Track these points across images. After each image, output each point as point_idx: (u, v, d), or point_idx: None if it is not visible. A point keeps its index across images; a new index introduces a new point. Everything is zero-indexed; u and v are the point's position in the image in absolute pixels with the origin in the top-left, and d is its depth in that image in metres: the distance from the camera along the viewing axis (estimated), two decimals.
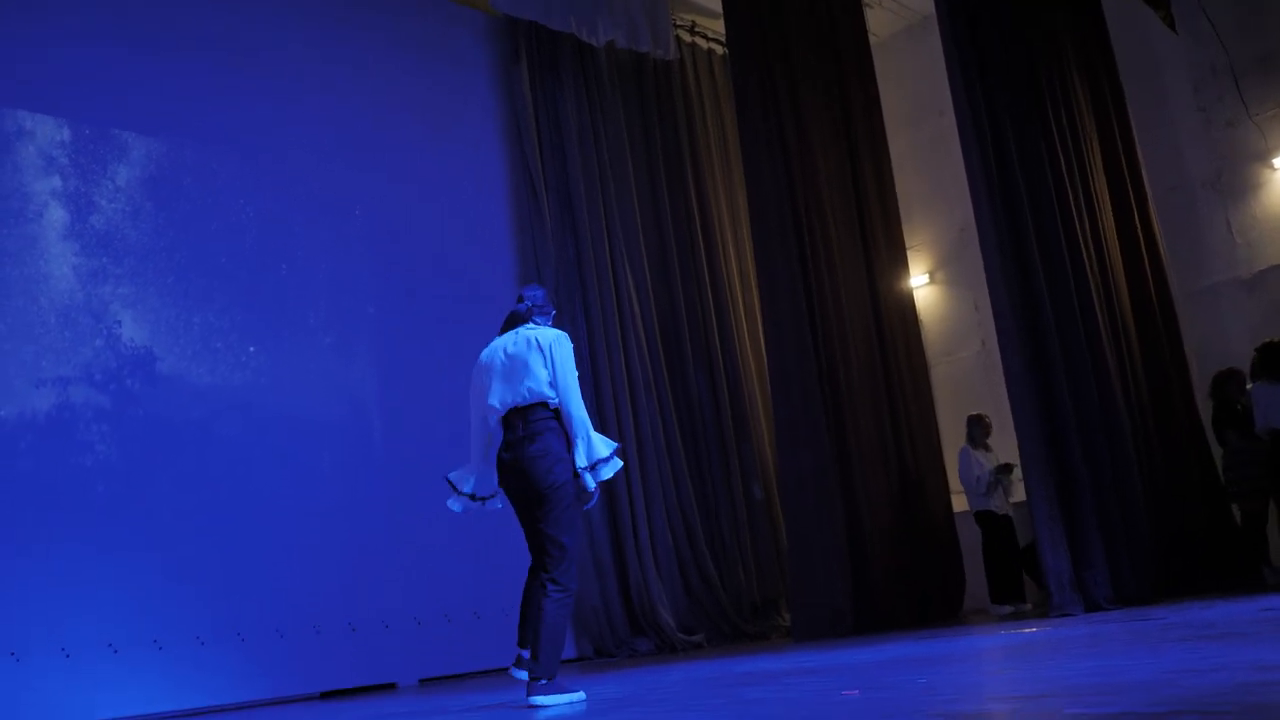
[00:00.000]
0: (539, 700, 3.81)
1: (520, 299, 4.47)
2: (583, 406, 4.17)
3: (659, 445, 8.92)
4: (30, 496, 6.29)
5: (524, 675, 4.20)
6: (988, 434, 8.39)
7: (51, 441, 6.46)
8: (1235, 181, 8.57)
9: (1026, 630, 5.35)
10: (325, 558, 7.20)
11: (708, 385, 9.48)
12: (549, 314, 4.47)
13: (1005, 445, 8.40)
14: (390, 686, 7.24)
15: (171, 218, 7.23)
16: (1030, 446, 6.58)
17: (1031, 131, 7.16)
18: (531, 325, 4.38)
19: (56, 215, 6.80)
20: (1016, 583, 8.03)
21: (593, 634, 8.29)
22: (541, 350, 4.19)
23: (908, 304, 8.89)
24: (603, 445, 4.13)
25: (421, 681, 7.36)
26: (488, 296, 8.70)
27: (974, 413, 8.56)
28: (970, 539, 8.54)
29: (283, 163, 7.82)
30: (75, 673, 6.16)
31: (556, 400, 4.14)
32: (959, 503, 8.68)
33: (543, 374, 4.14)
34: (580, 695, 3.98)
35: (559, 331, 4.31)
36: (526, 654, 3.98)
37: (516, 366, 4.20)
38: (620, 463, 4.15)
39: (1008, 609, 7.79)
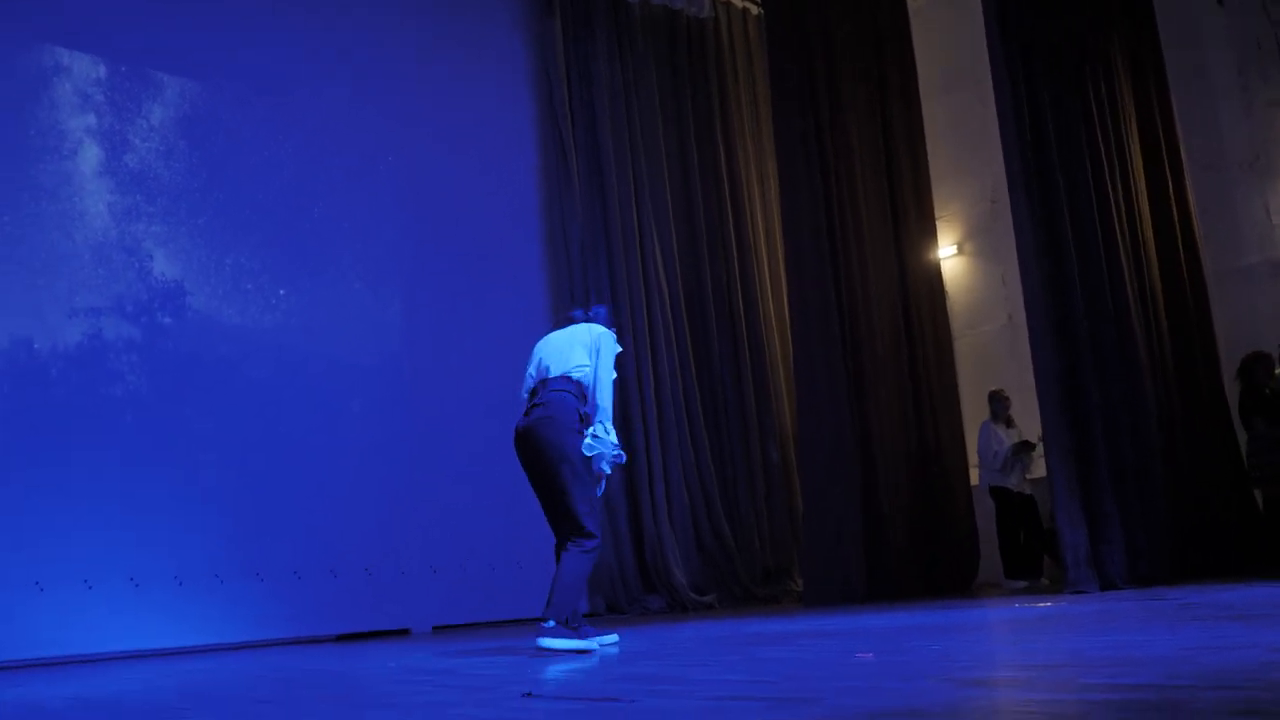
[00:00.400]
0: (545, 643, 3.86)
1: (586, 309, 4.69)
2: (610, 400, 4.28)
3: (678, 406, 8.92)
4: (61, 424, 6.38)
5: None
6: (1008, 409, 8.36)
7: (83, 371, 6.54)
8: (1275, 163, 8.43)
9: (1040, 605, 5.35)
10: (346, 501, 7.27)
11: (730, 348, 9.46)
12: (608, 327, 4.58)
13: (1027, 420, 8.37)
14: (404, 632, 7.32)
15: (205, 158, 7.25)
16: (1052, 422, 6.54)
17: (1069, 103, 7.05)
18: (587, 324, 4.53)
19: (91, 153, 6.83)
20: (1033, 559, 8.03)
21: (605, 589, 8.35)
22: (589, 340, 4.35)
23: (935, 275, 8.83)
24: (611, 441, 4.23)
25: (435, 629, 7.44)
26: (513, 252, 8.71)
27: (995, 388, 8.52)
28: (986, 514, 8.53)
29: (315, 108, 7.81)
30: (97, 604, 6.25)
31: (582, 379, 4.26)
32: (977, 476, 8.66)
33: (581, 357, 4.28)
34: (594, 645, 4.00)
35: (610, 331, 4.47)
36: (550, 624, 4.02)
37: (561, 347, 4.34)
38: (611, 466, 4.28)
39: (1021, 584, 7.79)
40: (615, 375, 4.38)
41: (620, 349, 4.44)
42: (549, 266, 8.87)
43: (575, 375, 4.26)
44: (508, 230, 8.68)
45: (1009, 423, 8.33)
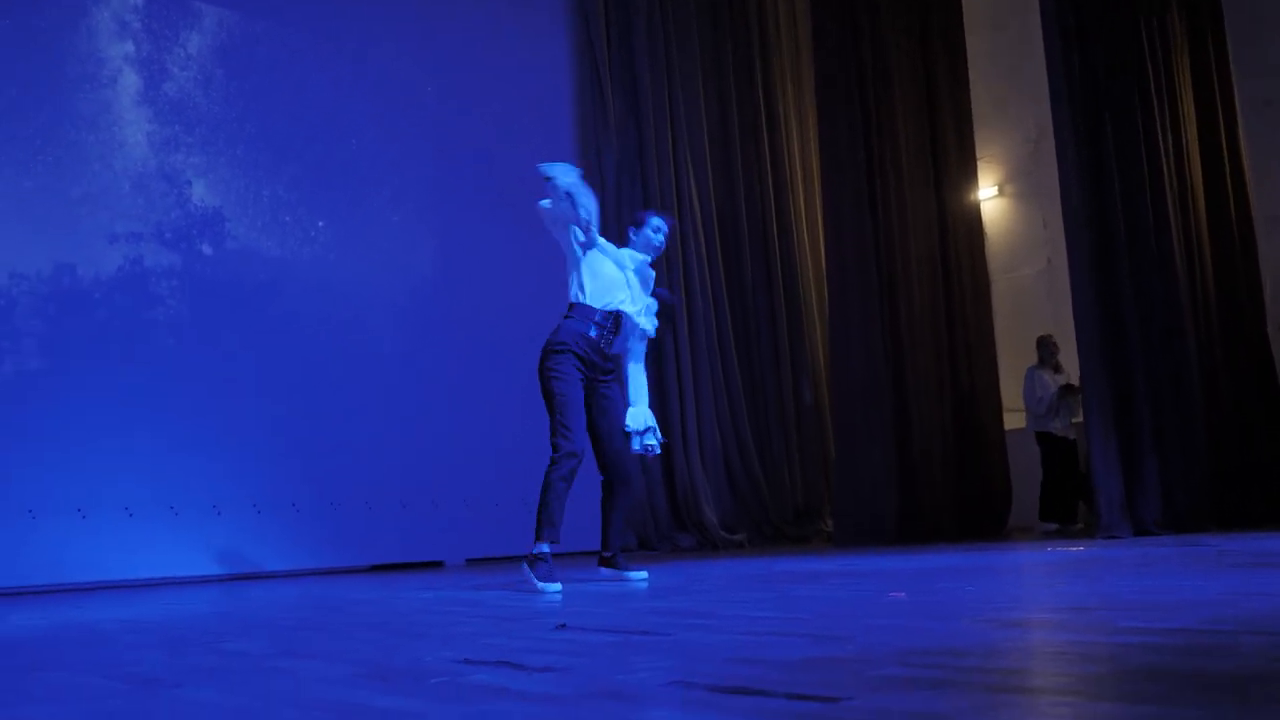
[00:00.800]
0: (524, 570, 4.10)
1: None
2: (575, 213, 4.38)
3: (711, 343, 8.90)
4: (104, 348, 6.46)
5: (607, 573, 4.50)
6: (1055, 354, 8.27)
7: (125, 294, 6.62)
8: None
9: (1073, 549, 5.33)
10: (380, 434, 7.34)
11: (764, 285, 9.40)
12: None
13: (1065, 364, 8.29)
14: (437, 564, 7.42)
15: (242, 87, 7.24)
16: (1091, 366, 6.48)
17: (1118, 40, 6.87)
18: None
19: (130, 81, 6.84)
20: (1069, 503, 8.00)
21: (636, 526, 8.41)
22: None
23: (974, 216, 8.70)
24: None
25: (468, 561, 7.53)
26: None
27: (1044, 333, 8.40)
28: (1020, 458, 8.48)
29: (351, 40, 7.77)
30: (137, 532, 6.37)
31: (570, 295, 4.43)
32: (1012, 420, 8.61)
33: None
34: (552, 588, 3.98)
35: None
36: (608, 555, 4.42)
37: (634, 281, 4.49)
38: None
39: (1053, 526, 7.78)
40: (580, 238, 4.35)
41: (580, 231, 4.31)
42: None
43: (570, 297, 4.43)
44: (542, 156, 8.61)
45: (1056, 368, 8.25)
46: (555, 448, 4.17)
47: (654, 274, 4.59)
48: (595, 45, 8.82)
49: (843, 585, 3.57)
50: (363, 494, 7.28)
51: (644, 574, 4.47)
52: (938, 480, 7.78)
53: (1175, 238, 6.85)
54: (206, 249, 6.97)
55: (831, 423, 8.55)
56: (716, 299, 9.06)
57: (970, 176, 8.64)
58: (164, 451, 6.51)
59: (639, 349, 4.52)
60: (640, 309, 4.40)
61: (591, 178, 8.81)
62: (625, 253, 4.48)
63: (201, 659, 2.31)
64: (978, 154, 9.00)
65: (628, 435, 4.42)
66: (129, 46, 6.85)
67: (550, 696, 1.58)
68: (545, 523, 4.12)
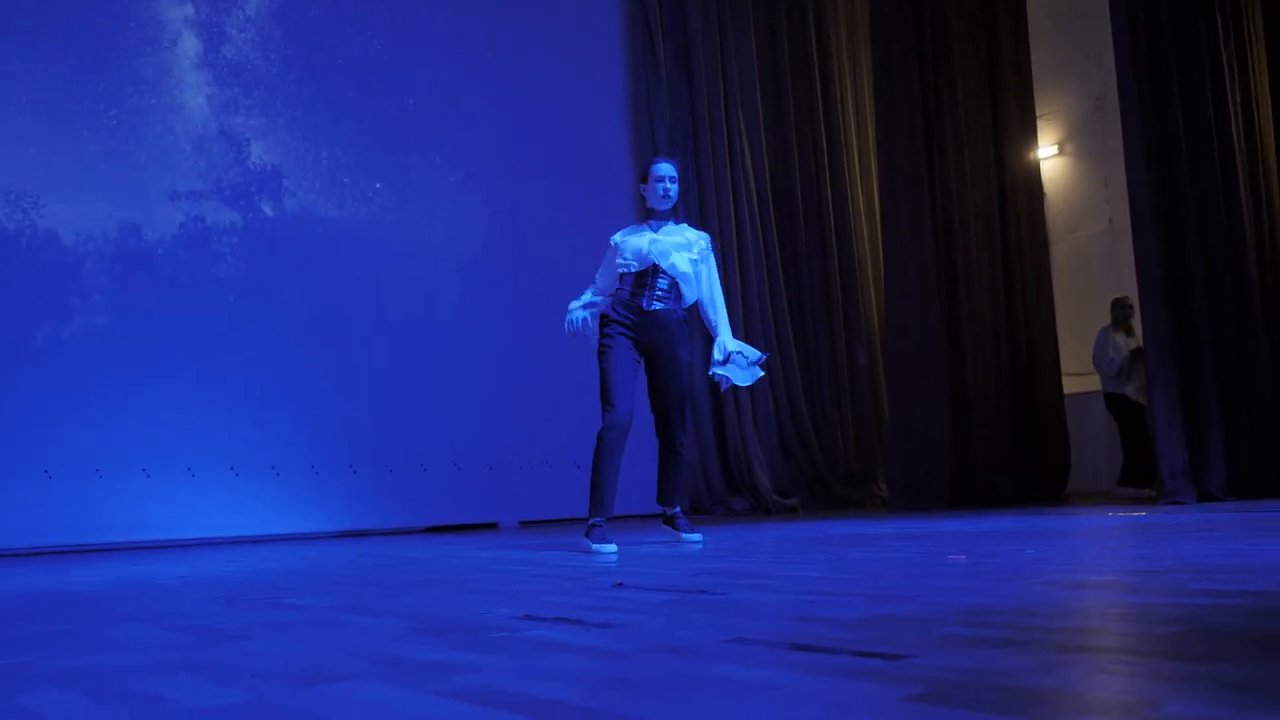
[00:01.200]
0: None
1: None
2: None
3: (764, 305, 8.84)
4: (168, 305, 6.59)
5: (663, 533, 4.67)
6: (1129, 317, 8.06)
7: (187, 251, 6.73)
8: None
9: (1136, 514, 5.24)
10: (436, 397, 7.41)
11: (817, 245, 9.29)
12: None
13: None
14: (492, 526, 7.49)
15: (300, 49, 7.30)
16: (1155, 329, 6.33)
17: None
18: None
19: (189, 44, 6.93)
20: (1145, 469, 7.84)
21: (689, 489, 8.41)
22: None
23: (1034, 175, 8.53)
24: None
25: (522, 523, 7.60)
26: (599, 140, 8.64)
27: (1119, 295, 8.20)
28: (1080, 422, 8.35)
29: (406, 2, 7.79)
30: (199, 491, 6.51)
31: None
32: (1071, 384, 8.46)
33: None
34: (606, 549, 4.11)
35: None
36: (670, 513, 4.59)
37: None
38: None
39: (1130, 491, 7.65)
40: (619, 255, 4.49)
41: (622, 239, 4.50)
42: (634, 160, 8.77)
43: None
44: (595, 127, 8.61)
45: (1129, 331, 8.05)
46: (602, 421, 4.31)
47: (673, 222, 4.54)
48: (648, 7, 8.73)
49: (899, 547, 3.54)
50: (419, 457, 7.36)
51: (698, 536, 4.53)
52: (994, 444, 7.68)
53: (1244, 198, 6.65)
54: (266, 209, 7.08)
55: (886, 385, 8.46)
56: (769, 262, 8.99)
57: (1030, 134, 8.45)
58: (225, 412, 6.64)
59: (706, 295, 4.54)
60: (670, 255, 4.40)
61: (643, 141, 8.79)
62: (644, 233, 4.49)
63: (264, 613, 2.35)
64: (1038, 112, 8.81)
65: (679, 396, 4.47)
66: (188, 9, 6.93)
67: (610, 652, 1.58)
68: (591, 498, 4.30)
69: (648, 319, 4.36)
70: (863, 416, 9.26)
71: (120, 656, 1.76)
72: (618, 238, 4.50)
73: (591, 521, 4.25)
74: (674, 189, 4.45)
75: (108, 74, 6.58)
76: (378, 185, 7.49)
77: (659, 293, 4.38)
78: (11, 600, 3.00)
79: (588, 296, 4.53)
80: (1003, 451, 7.74)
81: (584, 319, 4.40)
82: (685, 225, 4.59)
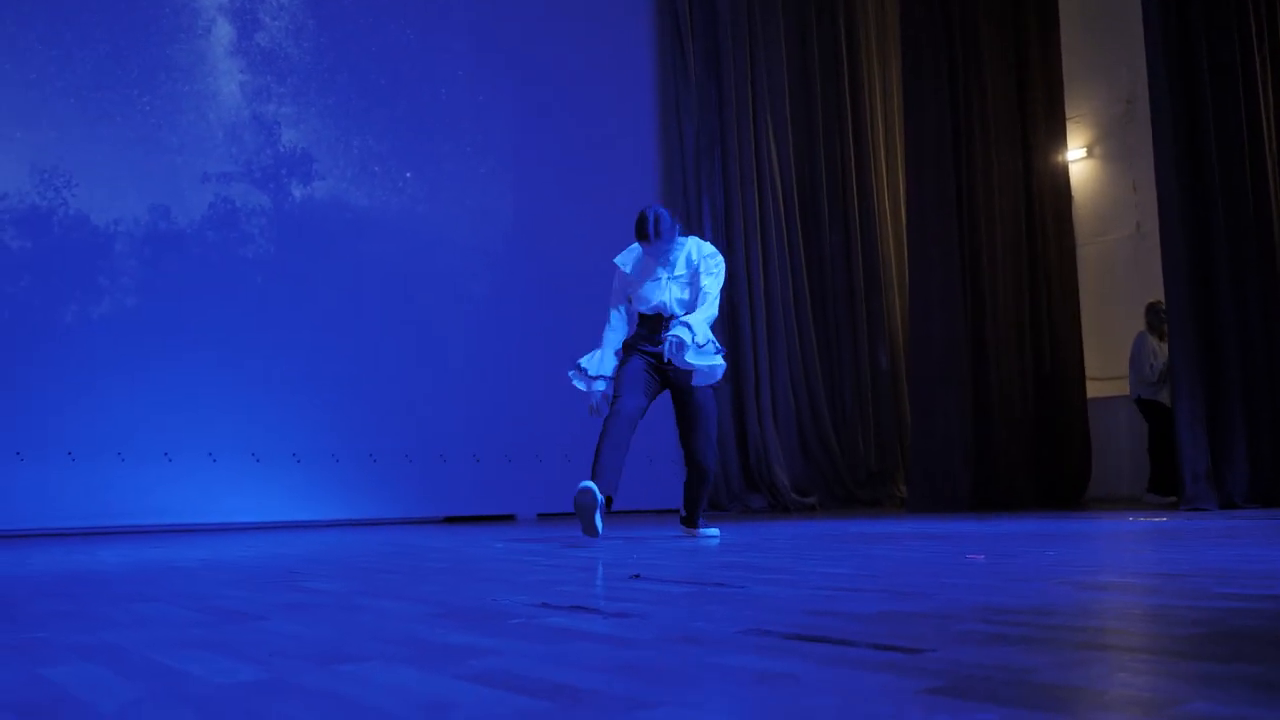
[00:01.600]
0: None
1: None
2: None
3: (787, 304, 8.82)
4: (195, 291, 6.65)
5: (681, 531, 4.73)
6: (1164, 322, 7.97)
7: (216, 232, 6.79)
8: None
9: (1157, 519, 5.20)
10: (456, 388, 7.43)
11: (842, 247, 9.27)
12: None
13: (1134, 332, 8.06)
14: (509, 518, 7.51)
15: (333, 37, 7.35)
16: (1180, 336, 6.29)
17: None
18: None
19: (223, 31, 6.99)
20: (1176, 477, 7.75)
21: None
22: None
23: (1062, 178, 8.48)
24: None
25: (540, 515, 7.61)
26: (627, 139, 8.64)
27: (1153, 299, 8.11)
28: (1102, 428, 8.29)
29: None
30: (220, 477, 6.55)
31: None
32: (1095, 389, 8.41)
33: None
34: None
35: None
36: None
37: None
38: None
39: (1157, 498, 7.57)
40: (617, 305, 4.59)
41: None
42: (662, 160, 8.78)
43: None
44: (623, 125, 8.62)
45: (1162, 336, 7.96)
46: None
47: (677, 251, 4.42)
48: (679, 9, 8.72)
49: (918, 546, 3.53)
50: (438, 447, 7.39)
51: (715, 530, 4.60)
52: (1016, 447, 7.64)
53: (1275, 204, 6.58)
54: (296, 195, 7.14)
55: (908, 386, 8.44)
56: (794, 265, 8.97)
57: (1059, 137, 8.40)
58: (247, 398, 6.68)
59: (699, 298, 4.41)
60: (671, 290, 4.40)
61: (671, 141, 8.79)
62: (656, 271, 4.44)
63: (284, 595, 2.36)
64: (1068, 114, 8.75)
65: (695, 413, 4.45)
66: None
67: (627, 640, 1.58)
68: (593, 467, 4.20)
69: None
70: (884, 419, 9.24)
71: (140, 633, 1.77)
72: (627, 269, 4.46)
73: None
74: (666, 238, 4.35)
75: (142, 60, 6.65)
76: (408, 174, 7.53)
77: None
78: (34, 578, 3.03)
79: (606, 354, 4.44)
80: (1024, 455, 7.70)
81: (603, 396, 4.38)
82: (688, 242, 4.46)
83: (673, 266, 4.37)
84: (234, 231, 6.87)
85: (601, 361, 4.41)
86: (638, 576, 2.63)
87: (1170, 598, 1.96)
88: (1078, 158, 9.51)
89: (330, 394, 6.98)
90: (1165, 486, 7.65)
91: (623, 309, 4.54)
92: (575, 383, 4.43)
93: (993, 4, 7.94)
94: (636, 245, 4.40)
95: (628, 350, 4.40)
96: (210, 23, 6.93)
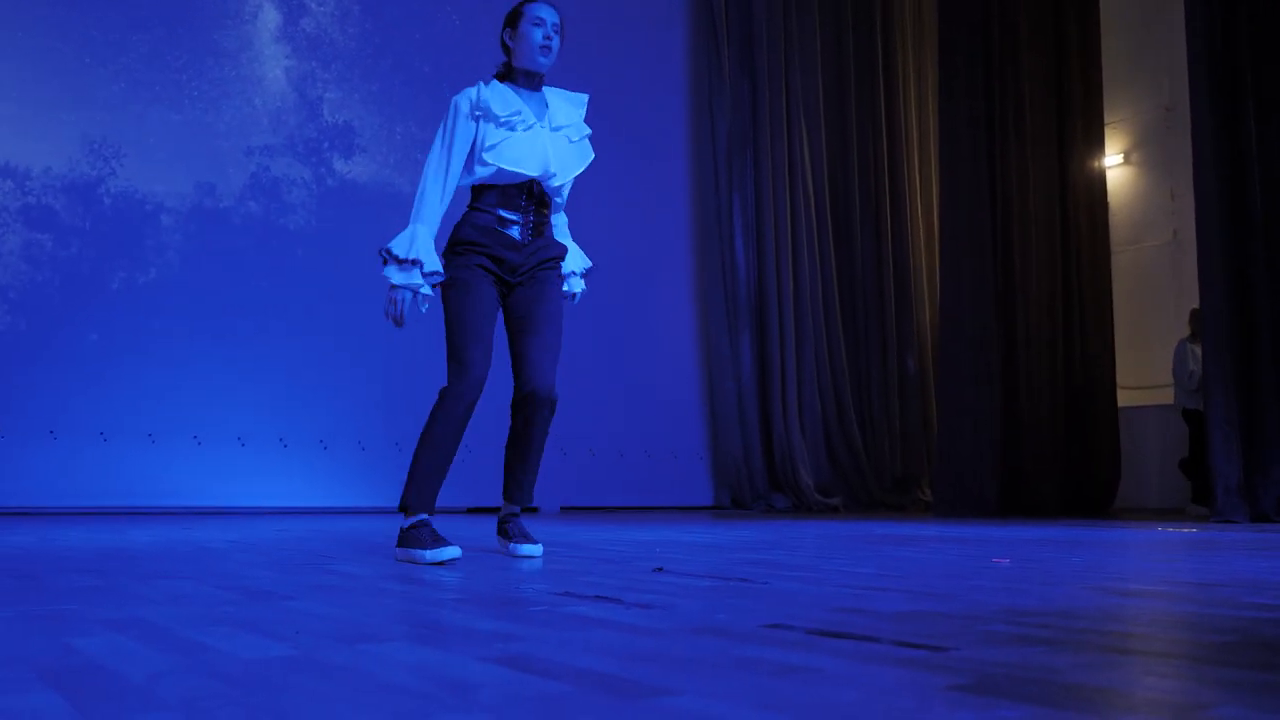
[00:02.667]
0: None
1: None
2: (426, 184, 3.13)
3: (816, 306, 8.79)
4: (232, 273, 6.74)
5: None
6: None
7: (258, 220, 6.88)
8: None
9: (1186, 530, 5.14)
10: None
11: (872, 250, 9.23)
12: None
13: (1175, 340, 7.97)
14: (532, 510, 7.52)
15: (378, 23, 7.42)
16: (1215, 344, 6.21)
17: (1266, 3, 6.50)
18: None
19: (270, 16, 7.06)
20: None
21: (731, 484, 8.40)
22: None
23: (1097, 184, 8.39)
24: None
25: (563, 509, 7.62)
26: (660, 136, 8.65)
27: (1196, 306, 8.01)
28: (1133, 436, 8.21)
29: None
30: (250, 462, 6.61)
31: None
32: (1126, 397, 8.33)
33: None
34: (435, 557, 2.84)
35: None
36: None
37: None
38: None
39: (1204, 510, 7.48)
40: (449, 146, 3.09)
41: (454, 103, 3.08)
42: (694, 158, 8.77)
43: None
44: (655, 122, 8.63)
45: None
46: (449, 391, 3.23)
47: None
48: (714, 8, 8.71)
49: (943, 549, 3.51)
50: (465, 437, 7.41)
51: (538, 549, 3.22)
52: (1044, 454, 7.58)
53: None
54: (339, 181, 7.22)
55: (935, 391, 8.39)
56: (825, 268, 8.94)
57: (1096, 142, 8.32)
58: (276, 386, 6.75)
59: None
60: (569, 165, 3.26)
61: (702, 140, 8.78)
62: (529, 118, 3.13)
63: (311, 577, 2.38)
64: (1105, 119, 8.66)
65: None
66: None
67: (649, 630, 1.58)
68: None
69: (522, 256, 3.12)
70: (910, 424, 9.19)
71: (169, 609, 1.79)
72: (481, 104, 3.08)
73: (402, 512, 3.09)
74: (556, 43, 3.17)
75: (190, 46, 6.74)
76: None
77: (536, 217, 3.14)
78: (64, 554, 3.07)
79: (419, 240, 3.05)
80: (1052, 462, 7.64)
81: (407, 299, 3.11)
82: (560, 90, 3.29)
83: (564, 111, 3.29)
84: (276, 219, 6.96)
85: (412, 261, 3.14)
86: (661, 569, 2.63)
87: (1200, 605, 1.93)
88: (1115, 164, 9.41)
89: (357, 384, 7.03)
90: (1205, 497, 7.55)
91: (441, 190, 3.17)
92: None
93: (1032, 11, 7.87)
94: (495, 86, 3.17)
95: (469, 252, 3.08)
96: (257, 8, 7.01)
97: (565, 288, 3.39)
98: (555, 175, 3.14)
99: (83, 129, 6.43)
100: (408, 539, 2.92)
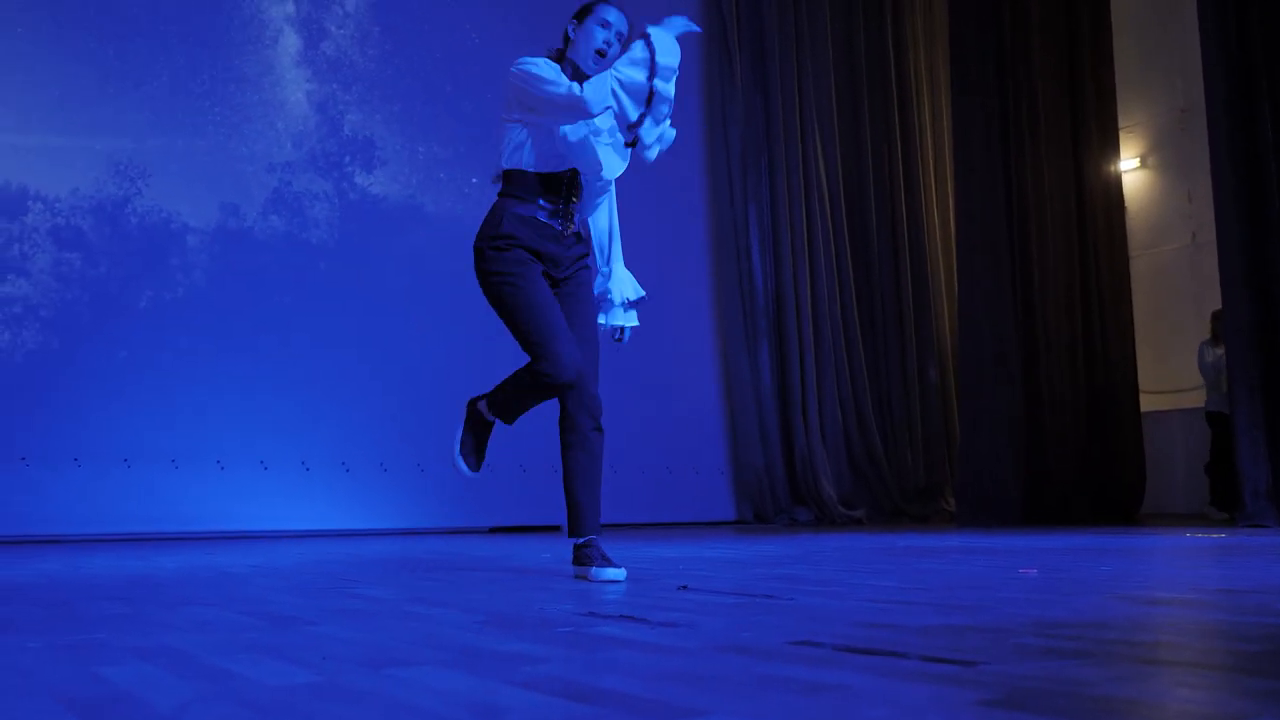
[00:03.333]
0: None
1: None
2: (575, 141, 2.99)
3: (834, 316, 8.78)
4: (252, 301, 6.80)
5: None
6: None
7: (279, 243, 6.93)
8: None
9: (1214, 535, 5.09)
10: None
11: (890, 258, 9.21)
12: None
13: (1195, 343, 7.91)
14: (555, 528, 7.51)
15: (397, 45, 7.50)
16: (1239, 345, 6.16)
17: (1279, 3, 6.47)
18: None
19: (290, 41, 7.15)
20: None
21: (753, 498, 8.37)
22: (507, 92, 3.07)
23: (1114, 188, 8.35)
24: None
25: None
26: (674, 148, 8.65)
27: (1217, 309, 7.92)
28: (1157, 441, 8.15)
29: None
30: (272, 485, 6.64)
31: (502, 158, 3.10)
32: (1149, 402, 8.27)
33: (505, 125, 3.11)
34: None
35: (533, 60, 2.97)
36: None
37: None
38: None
39: (1224, 514, 7.40)
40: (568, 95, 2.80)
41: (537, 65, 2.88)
42: (708, 170, 8.78)
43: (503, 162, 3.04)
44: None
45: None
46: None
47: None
48: (726, 18, 8.74)
49: (969, 560, 3.49)
50: (487, 459, 7.41)
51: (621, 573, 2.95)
52: (1068, 461, 7.53)
53: None
54: (364, 202, 7.27)
55: (957, 399, 8.35)
56: (842, 277, 8.92)
57: (1111, 147, 8.28)
58: (298, 407, 6.79)
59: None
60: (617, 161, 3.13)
61: (716, 150, 8.79)
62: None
63: (335, 601, 2.38)
64: (1120, 123, 8.63)
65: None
66: (289, 7, 7.17)
67: (675, 649, 1.58)
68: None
69: (562, 247, 3.05)
70: (932, 433, 9.15)
71: (195, 636, 1.80)
72: (557, 67, 2.94)
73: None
74: (615, 50, 3.03)
75: (213, 71, 6.83)
76: (474, 180, 7.62)
77: (571, 208, 3.07)
78: (91, 582, 3.09)
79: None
80: (1076, 469, 7.58)
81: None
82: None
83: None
84: (298, 241, 7.02)
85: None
86: (685, 587, 2.62)
87: (1231, 614, 1.91)
88: (1130, 168, 9.37)
89: (377, 404, 7.05)
90: (1225, 501, 7.47)
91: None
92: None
93: (1044, 13, 7.85)
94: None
95: (516, 247, 2.96)
96: (277, 33, 7.09)
97: (613, 321, 3.30)
98: (603, 171, 3.06)
99: (109, 154, 6.52)
100: (580, 558, 3.04)
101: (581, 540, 3.11)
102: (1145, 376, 8.30)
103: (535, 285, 2.94)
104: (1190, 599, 2.23)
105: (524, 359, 3.03)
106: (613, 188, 3.23)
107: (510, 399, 3.12)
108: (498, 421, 3.20)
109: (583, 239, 3.15)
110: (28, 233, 6.27)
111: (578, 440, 3.15)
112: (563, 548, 4.87)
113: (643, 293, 3.28)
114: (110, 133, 6.52)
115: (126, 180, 6.55)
